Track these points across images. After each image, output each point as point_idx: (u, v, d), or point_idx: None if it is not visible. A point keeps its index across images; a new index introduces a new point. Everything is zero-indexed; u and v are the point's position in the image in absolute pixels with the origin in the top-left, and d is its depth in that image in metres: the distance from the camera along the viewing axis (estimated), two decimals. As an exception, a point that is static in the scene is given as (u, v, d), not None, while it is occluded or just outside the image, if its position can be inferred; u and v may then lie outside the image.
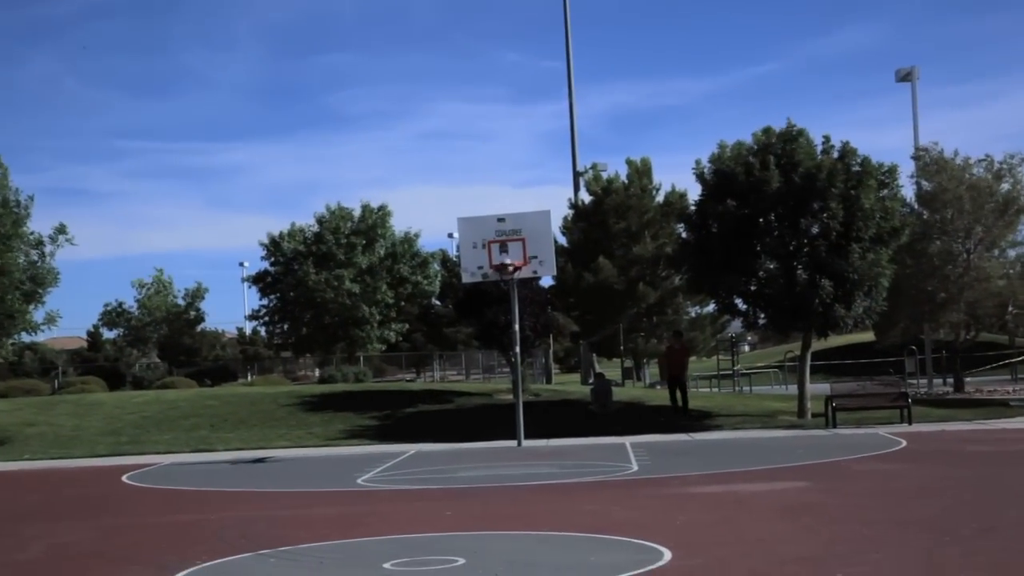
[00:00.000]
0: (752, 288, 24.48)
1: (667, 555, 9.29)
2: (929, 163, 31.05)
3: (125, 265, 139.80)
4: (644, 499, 13.40)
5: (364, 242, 50.25)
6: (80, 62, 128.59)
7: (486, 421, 24.95)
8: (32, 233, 25.26)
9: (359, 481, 16.42)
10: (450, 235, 63.83)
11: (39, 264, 25.22)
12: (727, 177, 24.03)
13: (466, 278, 22.37)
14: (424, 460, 19.58)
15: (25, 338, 30.75)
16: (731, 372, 42.13)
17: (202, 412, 28.37)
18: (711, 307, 38.62)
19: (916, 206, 30.64)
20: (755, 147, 24.25)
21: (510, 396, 25.85)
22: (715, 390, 38.93)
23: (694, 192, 25.89)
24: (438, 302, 56.54)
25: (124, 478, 18.50)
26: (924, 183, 31.15)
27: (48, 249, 25.33)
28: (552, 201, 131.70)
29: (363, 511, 13.40)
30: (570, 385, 38.51)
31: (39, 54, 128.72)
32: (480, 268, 21.49)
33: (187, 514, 13.88)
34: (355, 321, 49.62)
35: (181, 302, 60.19)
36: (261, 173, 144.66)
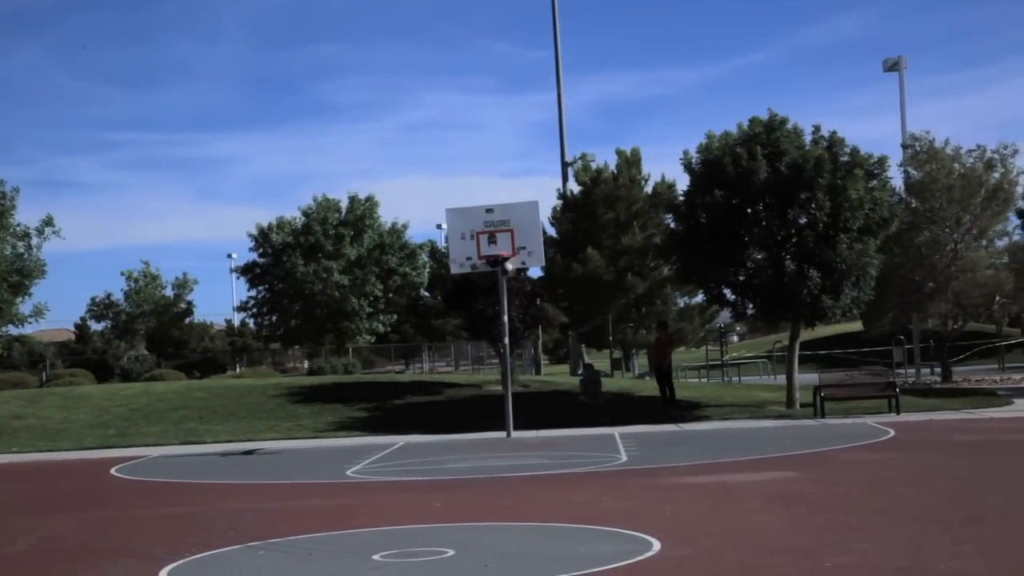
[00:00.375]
0: (740, 278, 24.51)
1: (656, 545, 9.31)
2: (920, 151, 31.09)
3: (113, 257, 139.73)
4: (633, 490, 13.42)
5: (352, 233, 50.18)
6: (67, 54, 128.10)
7: (475, 412, 24.95)
8: (18, 225, 25.17)
9: (348, 473, 16.41)
10: (439, 226, 63.88)
11: (26, 256, 25.12)
12: (715, 167, 24.03)
13: (455, 269, 22.35)
14: (413, 451, 19.58)
15: (12, 330, 30.69)
16: (720, 362, 42.22)
17: (191, 404, 28.31)
18: (699, 297, 38.67)
19: (904, 195, 30.69)
20: (742, 137, 24.27)
21: (499, 387, 25.85)
22: (704, 380, 39.02)
23: (683, 182, 25.93)
24: (427, 293, 56.52)
25: (113, 471, 18.46)
26: (913, 172, 31.21)
27: (35, 241, 25.26)
28: (540, 192, 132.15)
29: (352, 503, 13.40)
30: (559, 376, 38.55)
31: (25, 46, 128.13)
32: (469, 259, 21.47)
33: (176, 506, 13.85)
34: (344, 313, 49.58)
35: (170, 293, 60.08)
36: (249, 164, 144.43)
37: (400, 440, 21.71)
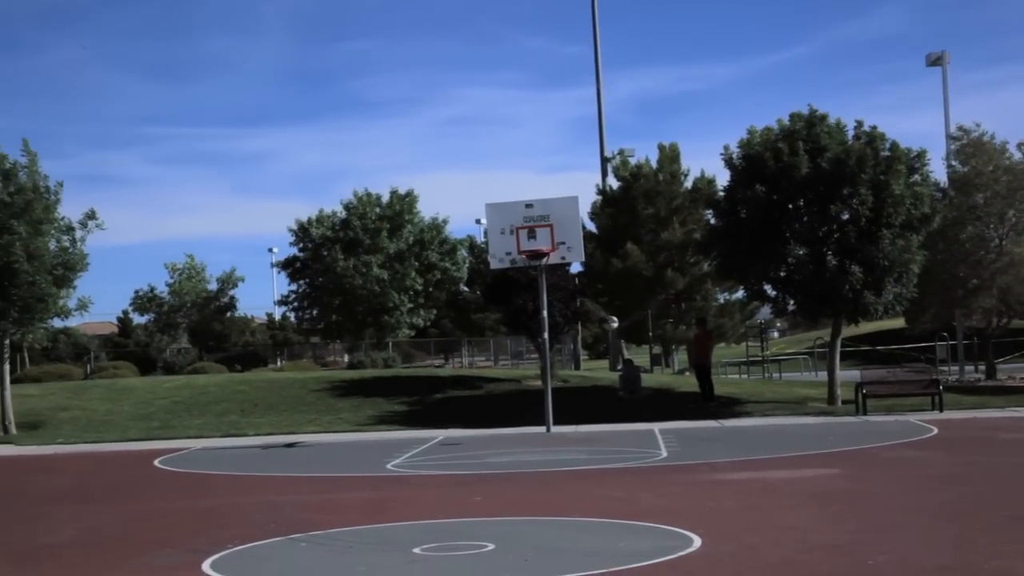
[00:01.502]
0: (781, 274, 24.35)
1: (697, 541, 9.29)
2: (967, 144, 30.66)
3: (154, 251, 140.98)
4: (673, 485, 13.39)
5: (389, 227, 50.32)
6: (107, 49, 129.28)
7: (515, 407, 24.98)
8: (62, 218, 25.41)
9: (388, 466, 16.49)
10: (477, 221, 64.01)
11: (70, 249, 25.37)
12: (756, 162, 23.91)
13: (494, 264, 22.37)
14: (453, 446, 19.63)
15: (57, 323, 31.01)
16: (760, 358, 41.98)
17: (232, 397, 28.55)
18: (740, 293, 38.44)
19: (950, 191, 30.28)
20: (783, 132, 24.11)
21: (539, 382, 25.85)
22: (744, 377, 38.81)
23: (722, 178, 25.82)
24: (466, 288, 56.63)
25: (156, 462, 18.66)
26: (958, 165, 30.81)
27: (79, 235, 25.46)
28: (579, 187, 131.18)
29: (392, 496, 13.46)
30: (599, 371, 38.50)
31: (64, 41, 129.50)
32: (508, 254, 21.47)
33: (218, 498, 13.99)
34: (384, 307, 49.77)
35: (212, 287, 60.54)
36: (287, 159, 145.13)
37: (440, 434, 21.77)
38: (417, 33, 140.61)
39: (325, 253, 50.39)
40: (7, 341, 25.34)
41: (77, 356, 53.48)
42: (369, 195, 51.77)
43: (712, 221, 26.55)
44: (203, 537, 10.65)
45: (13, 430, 24.80)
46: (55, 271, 24.80)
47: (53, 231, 25.20)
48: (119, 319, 67.97)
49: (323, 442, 21.53)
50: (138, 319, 63.64)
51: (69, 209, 25.37)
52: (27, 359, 49.40)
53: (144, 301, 59.17)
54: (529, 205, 21.40)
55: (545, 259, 21.30)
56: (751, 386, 30.48)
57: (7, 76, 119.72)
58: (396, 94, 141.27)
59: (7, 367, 25.43)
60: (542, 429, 21.39)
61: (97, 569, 9.46)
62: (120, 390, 30.61)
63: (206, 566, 9.14)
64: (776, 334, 71.63)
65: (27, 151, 25.04)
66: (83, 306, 26.32)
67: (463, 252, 53.65)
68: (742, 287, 29.11)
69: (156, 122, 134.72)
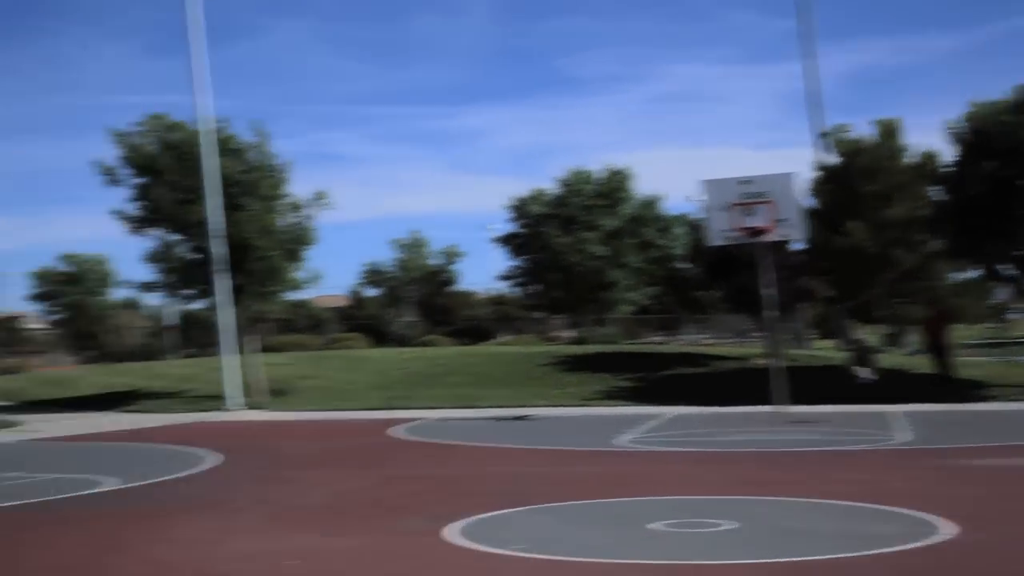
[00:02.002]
0: (1019, 253, 23.00)
1: (946, 528, 8.93)
2: None
3: (378, 227, 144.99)
4: (918, 469, 12.91)
5: (607, 203, 50.34)
6: (323, 31, 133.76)
7: (742, 385, 24.64)
8: (288, 195, 26.73)
9: (619, 441, 16.58)
10: (688, 198, 63.15)
11: (299, 225, 26.68)
12: (983, 137, 22.66)
13: (713, 241, 22.07)
14: (682, 423, 19.55)
15: (293, 296, 32.70)
16: (1001, 340, 39.88)
17: (464, 369, 29.28)
18: (975, 272, 36.56)
19: None
20: (1012, 105, 22.70)
21: (764, 360, 25.37)
22: (985, 359, 36.94)
23: (946, 153, 24.69)
24: (685, 265, 56.03)
25: (396, 431, 19.37)
26: None
27: (307, 211, 26.75)
28: (793, 163, 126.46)
29: (626, 471, 13.54)
30: (826, 351, 37.47)
31: (285, 24, 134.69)
32: (726, 231, 21.13)
33: (455, 467, 14.42)
34: (603, 284, 49.90)
35: (435, 262, 62.26)
36: (499, 136, 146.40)
37: (668, 411, 21.71)
38: (623, 10, 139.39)
39: (542, 229, 50.87)
40: (250, 314, 26.90)
41: (312, 327, 56.03)
42: (582, 172, 51.89)
43: (939, 199, 25.36)
44: (444, 505, 10.99)
45: (264, 396, 26.26)
46: (286, 246, 26.17)
47: (281, 208, 26.59)
48: (352, 292, 70.73)
49: (552, 415, 21.83)
50: (368, 292, 66.16)
51: (296, 187, 26.60)
52: (270, 329, 52.14)
53: (374, 275, 61.47)
54: (745, 181, 21.00)
55: (764, 236, 20.85)
56: (993, 369, 28.99)
57: (234, 60, 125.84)
58: (604, 72, 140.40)
59: (255, 337, 26.96)
60: (771, 408, 20.99)
61: (347, 530, 9.91)
62: (356, 360, 31.95)
63: (448, 532, 9.43)
64: (1021, 315, 67.62)
65: (259, 132, 26.46)
66: (314, 278, 27.66)
67: (680, 229, 53.07)
68: (976, 266, 27.73)
69: (373, 101, 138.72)
